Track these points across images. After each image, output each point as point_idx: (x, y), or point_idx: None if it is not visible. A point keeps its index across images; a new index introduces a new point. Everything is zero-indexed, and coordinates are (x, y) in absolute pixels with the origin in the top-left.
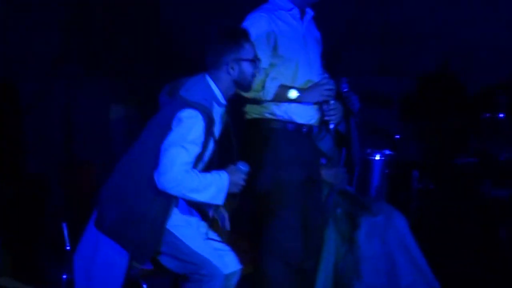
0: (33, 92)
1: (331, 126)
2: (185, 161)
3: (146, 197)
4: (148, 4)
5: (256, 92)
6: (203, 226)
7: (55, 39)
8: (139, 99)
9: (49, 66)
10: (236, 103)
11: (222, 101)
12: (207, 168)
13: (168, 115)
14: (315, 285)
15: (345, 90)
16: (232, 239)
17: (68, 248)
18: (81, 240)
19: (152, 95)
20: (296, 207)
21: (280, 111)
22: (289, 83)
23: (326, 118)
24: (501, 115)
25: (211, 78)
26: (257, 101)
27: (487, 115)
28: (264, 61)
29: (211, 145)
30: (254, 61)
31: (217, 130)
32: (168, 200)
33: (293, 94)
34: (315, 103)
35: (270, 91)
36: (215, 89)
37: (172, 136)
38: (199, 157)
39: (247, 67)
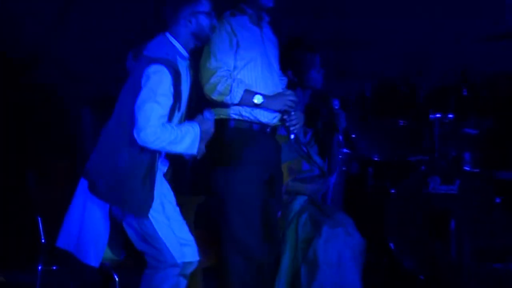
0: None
1: (292, 137)
2: (160, 115)
3: (131, 154)
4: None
5: (224, 96)
6: (174, 210)
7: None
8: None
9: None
10: (203, 105)
11: (185, 54)
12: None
13: (136, 76)
14: (277, 279)
15: (336, 107)
16: (197, 233)
17: (43, 241)
18: (70, 205)
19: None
20: (257, 205)
21: (246, 111)
22: (254, 84)
23: (287, 125)
24: (450, 116)
25: (171, 34)
26: (224, 104)
27: (438, 115)
28: (229, 64)
29: (183, 97)
30: (210, 14)
31: (185, 82)
32: (152, 155)
33: (257, 99)
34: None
35: (237, 95)
36: (176, 43)
37: (143, 93)
38: (174, 109)
39: (203, 19)
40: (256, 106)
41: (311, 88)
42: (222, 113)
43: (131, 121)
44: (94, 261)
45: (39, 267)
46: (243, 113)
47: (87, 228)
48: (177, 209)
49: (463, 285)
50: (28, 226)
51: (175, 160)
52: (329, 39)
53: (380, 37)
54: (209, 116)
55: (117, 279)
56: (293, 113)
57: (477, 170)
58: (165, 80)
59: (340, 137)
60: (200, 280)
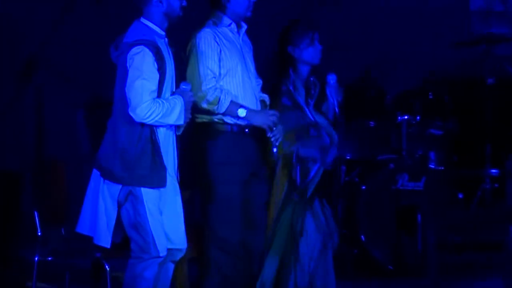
0: (6, 97)
1: (274, 150)
2: (150, 90)
3: (129, 130)
4: None
5: (212, 106)
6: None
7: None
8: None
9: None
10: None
11: (161, 32)
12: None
13: (122, 63)
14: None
15: (332, 82)
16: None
17: (39, 233)
18: (85, 195)
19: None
20: (237, 203)
21: (226, 116)
22: (234, 90)
23: (271, 140)
24: (417, 118)
25: (145, 18)
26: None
27: (405, 117)
28: (215, 70)
29: (168, 71)
30: None
31: (168, 58)
32: (150, 129)
33: (241, 112)
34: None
35: (223, 106)
36: (151, 25)
37: (131, 74)
38: (162, 84)
39: (174, 0)
40: (239, 118)
41: (309, 64)
42: (204, 117)
43: (126, 102)
44: (106, 243)
45: (36, 258)
46: (224, 118)
47: (100, 213)
48: (177, 198)
49: (427, 274)
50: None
51: None
52: None
53: (350, 44)
54: (187, 87)
55: (108, 269)
56: (275, 128)
57: (441, 168)
58: (148, 57)
59: (337, 110)
60: (186, 269)
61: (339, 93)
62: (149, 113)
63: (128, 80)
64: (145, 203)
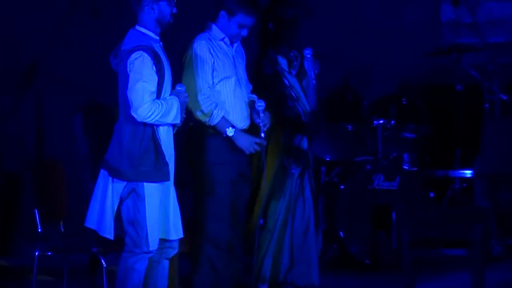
0: (8, 101)
1: (262, 135)
2: (150, 92)
3: (133, 128)
4: None
5: (205, 117)
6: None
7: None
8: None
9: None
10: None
11: (155, 37)
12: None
13: (122, 69)
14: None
15: (309, 55)
16: None
17: (39, 230)
18: (93, 193)
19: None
20: (225, 201)
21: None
22: (227, 97)
23: (260, 125)
24: (392, 122)
25: (139, 26)
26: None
27: (380, 121)
28: (209, 79)
29: (166, 73)
30: (170, 2)
31: (164, 60)
32: (151, 128)
33: (230, 131)
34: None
35: (215, 120)
36: (145, 31)
37: (131, 78)
38: (161, 86)
39: (164, 6)
40: (227, 135)
41: (288, 43)
42: (193, 122)
43: (128, 105)
44: (109, 234)
45: (36, 253)
46: None
47: (107, 209)
48: (174, 195)
49: (402, 268)
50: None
51: None
52: None
53: (329, 54)
54: (181, 88)
55: (104, 263)
56: (262, 115)
57: (414, 169)
58: (146, 61)
59: (314, 81)
60: (176, 264)
61: (315, 65)
62: (149, 113)
63: (129, 84)
64: (146, 200)
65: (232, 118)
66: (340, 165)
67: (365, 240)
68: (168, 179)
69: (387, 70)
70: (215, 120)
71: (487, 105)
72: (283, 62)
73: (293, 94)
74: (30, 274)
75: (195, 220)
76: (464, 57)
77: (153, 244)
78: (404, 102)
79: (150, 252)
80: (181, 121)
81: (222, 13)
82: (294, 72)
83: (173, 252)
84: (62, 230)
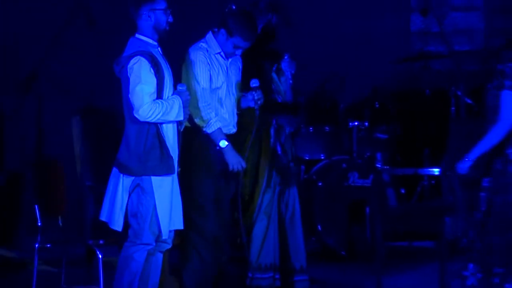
0: (10, 104)
1: (257, 109)
2: (149, 93)
3: (137, 127)
4: None
5: (203, 123)
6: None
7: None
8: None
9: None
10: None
11: (153, 43)
12: None
13: (124, 75)
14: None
15: (286, 57)
16: None
17: (39, 224)
18: (106, 189)
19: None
20: (210, 195)
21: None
22: (219, 103)
23: (255, 99)
24: (366, 124)
25: (138, 33)
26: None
27: (355, 123)
28: (207, 85)
29: (166, 75)
30: (166, 11)
31: (163, 63)
32: (155, 125)
33: (222, 144)
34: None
35: (212, 128)
36: (144, 38)
37: (131, 81)
38: (161, 87)
39: (160, 15)
40: (219, 147)
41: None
42: (191, 123)
43: (131, 107)
44: (118, 227)
45: (36, 245)
46: None
47: (117, 203)
48: (176, 187)
49: (375, 259)
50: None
51: None
52: None
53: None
54: (182, 87)
55: (100, 255)
56: (256, 91)
57: (386, 167)
58: (144, 65)
59: (290, 81)
60: (167, 255)
61: (292, 66)
62: (150, 113)
63: (130, 87)
64: (154, 193)
65: (220, 118)
66: (318, 163)
67: (341, 233)
68: (173, 172)
69: (361, 76)
70: (211, 129)
71: (453, 108)
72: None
73: (273, 87)
74: (31, 265)
75: (184, 214)
76: (432, 64)
77: (153, 237)
78: (377, 106)
79: (149, 244)
80: (185, 118)
81: (222, 31)
82: (273, 69)
83: (167, 246)
84: (60, 224)
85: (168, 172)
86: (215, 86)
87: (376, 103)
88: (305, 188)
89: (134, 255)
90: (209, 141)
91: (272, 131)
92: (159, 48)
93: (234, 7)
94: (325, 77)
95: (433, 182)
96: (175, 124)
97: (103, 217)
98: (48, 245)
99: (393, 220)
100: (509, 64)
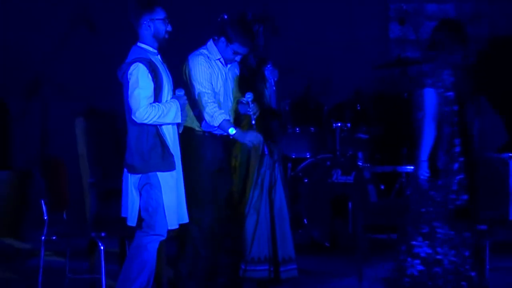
0: (18, 107)
1: (253, 122)
2: (146, 97)
3: (138, 128)
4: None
5: (208, 117)
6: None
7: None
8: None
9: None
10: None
11: (153, 50)
12: None
13: (125, 80)
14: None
15: (269, 66)
16: None
17: (45, 217)
18: (122, 187)
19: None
20: (208, 189)
21: (206, 127)
22: (220, 104)
23: (250, 113)
24: (348, 125)
25: (139, 42)
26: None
27: (338, 124)
28: (208, 86)
29: (164, 80)
30: (165, 20)
31: (162, 69)
32: (154, 126)
33: (232, 131)
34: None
35: (217, 121)
36: (144, 46)
37: (130, 86)
38: (158, 91)
39: (159, 24)
40: (230, 135)
41: (256, 52)
42: (187, 123)
43: (130, 110)
44: (133, 223)
45: (42, 237)
46: (203, 127)
47: (130, 201)
48: (180, 183)
49: (357, 250)
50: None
51: None
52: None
53: (294, 67)
54: (180, 92)
55: (102, 247)
56: (252, 105)
57: (367, 165)
58: (142, 71)
59: (273, 88)
60: (164, 247)
61: (274, 73)
62: (146, 115)
63: (129, 91)
64: (162, 188)
65: (211, 128)
66: (304, 161)
67: (326, 226)
68: (174, 168)
69: (343, 80)
70: (217, 122)
71: None
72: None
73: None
74: (37, 255)
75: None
76: (409, 69)
77: (165, 229)
78: (358, 108)
79: (161, 235)
80: (182, 120)
81: (222, 39)
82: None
83: (162, 238)
84: (65, 218)
85: (170, 168)
86: (216, 89)
87: (358, 105)
88: (292, 184)
89: (148, 245)
90: (206, 141)
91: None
92: (159, 56)
93: (226, 17)
94: (310, 81)
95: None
96: (175, 125)
97: (123, 214)
98: (54, 237)
99: (374, 214)
100: (429, 64)
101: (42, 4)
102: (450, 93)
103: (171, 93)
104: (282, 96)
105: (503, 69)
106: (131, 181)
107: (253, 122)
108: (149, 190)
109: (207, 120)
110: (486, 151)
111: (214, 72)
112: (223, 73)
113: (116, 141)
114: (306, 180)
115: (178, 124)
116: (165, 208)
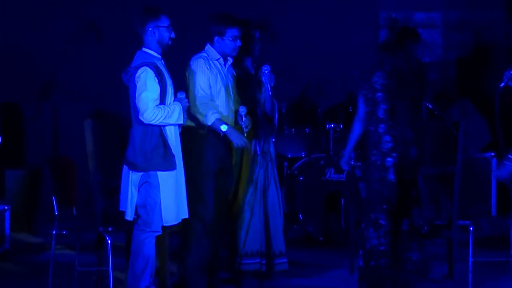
0: (30, 110)
1: (245, 134)
2: (153, 98)
3: (143, 129)
4: None
5: (201, 116)
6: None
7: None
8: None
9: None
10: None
11: (157, 55)
12: None
13: (132, 83)
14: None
15: (267, 71)
16: None
17: (56, 213)
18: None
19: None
20: (210, 187)
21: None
22: (219, 105)
23: (243, 126)
24: (341, 126)
25: (144, 47)
26: (192, 116)
27: (331, 125)
28: (207, 90)
29: (168, 84)
30: (169, 28)
31: (166, 73)
32: (158, 127)
33: (224, 127)
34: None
35: (210, 120)
36: (149, 51)
37: (138, 88)
38: (164, 94)
39: (163, 31)
40: (221, 132)
41: (252, 56)
42: (189, 122)
43: (137, 111)
44: (130, 217)
45: (53, 232)
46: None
47: (128, 197)
48: (181, 181)
49: (349, 244)
50: (46, 203)
51: None
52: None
53: (289, 72)
54: (182, 95)
55: (109, 241)
56: (244, 118)
57: (359, 164)
58: (150, 74)
59: (269, 93)
60: (168, 241)
61: (271, 78)
62: (153, 116)
63: (136, 93)
64: (160, 187)
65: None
66: (299, 160)
67: (320, 221)
68: (175, 168)
69: (336, 84)
70: (210, 121)
71: None
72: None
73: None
74: (48, 249)
75: (187, 203)
76: None
77: (168, 221)
78: (351, 110)
79: (157, 231)
80: (184, 122)
81: (216, 38)
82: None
83: (157, 234)
84: (75, 213)
85: (171, 167)
86: (215, 90)
87: (350, 107)
88: (288, 182)
89: (145, 241)
90: (209, 141)
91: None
92: (162, 61)
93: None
94: (305, 85)
95: None
96: (176, 126)
97: (121, 208)
98: (64, 232)
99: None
100: (363, 75)
101: (53, 14)
102: (379, 94)
103: (173, 96)
104: (279, 99)
105: (487, 75)
106: (132, 178)
107: (245, 134)
108: (148, 189)
109: (200, 120)
110: (471, 151)
111: (213, 73)
112: (223, 73)
113: (121, 141)
114: (301, 178)
115: (179, 125)
116: (162, 206)
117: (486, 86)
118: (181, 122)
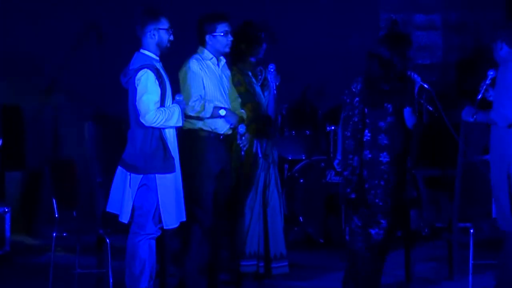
0: (31, 112)
1: (242, 153)
2: (154, 101)
3: (143, 132)
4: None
5: (200, 113)
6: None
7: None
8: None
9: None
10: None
11: (156, 58)
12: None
13: (131, 85)
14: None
15: (272, 70)
16: None
17: (56, 215)
18: (112, 185)
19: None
20: (210, 190)
21: (206, 126)
22: (217, 103)
23: (241, 146)
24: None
25: (143, 49)
26: (193, 117)
27: (332, 128)
28: (201, 92)
29: (167, 86)
30: (168, 30)
31: (165, 75)
32: (158, 130)
33: (222, 112)
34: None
35: (208, 111)
36: (148, 53)
37: (139, 91)
38: (164, 96)
39: (163, 34)
40: (221, 117)
41: (258, 57)
42: (189, 124)
43: (138, 113)
44: (126, 220)
45: (54, 234)
46: (203, 127)
47: (125, 199)
48: (179, 183)
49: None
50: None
51: None
52: None
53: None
54: (180, 98)
55: (108, 242)
56: (243, 138)
57: None
58: (150, 77)
59: (274, 91)
60: (166, 243)
61: (277, 78)
62: (155, 119)
63: (137, 96)
64: (158, 190)
65: (215, 126)
66: (300, 163)
67: (320, 223)
68: (174, 170)
69: (337, 86)
70: (208, 112)
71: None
72: (249, 73)
73: (256, 99)
74: (48, 251)
75: (186, 207)
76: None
77: (168, 224)
78: None
79: (151, 234)
80: (182, 124)
81: (207, 37)
82: (259, 84)
83: (152, 236)
84: (75, 215)
85: (170, 170)
86: (210, 91)
87: None
88: (289, 184)
89: (140, 243)
90: (210, 143)
91: (254, 141)
92: (160, 63)
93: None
94: (306, 87)
95: None
96: (175, 129)
97: (110, 209)
98: (64, 234)
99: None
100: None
101: (54, 16)
102: (357, 99)
103: (171, 98)
104: (280, 101)
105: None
106: (130, 180)
107: (243, 153)
108: (145, 192)
109: (197, 115)
110: (471, 153)
111: (207, 72)
112: (217, 73)
113: (121, 143)
114: (301, 180)
115: (177, 128)
116: (161, 209)
117: None
118: (180, 124)
